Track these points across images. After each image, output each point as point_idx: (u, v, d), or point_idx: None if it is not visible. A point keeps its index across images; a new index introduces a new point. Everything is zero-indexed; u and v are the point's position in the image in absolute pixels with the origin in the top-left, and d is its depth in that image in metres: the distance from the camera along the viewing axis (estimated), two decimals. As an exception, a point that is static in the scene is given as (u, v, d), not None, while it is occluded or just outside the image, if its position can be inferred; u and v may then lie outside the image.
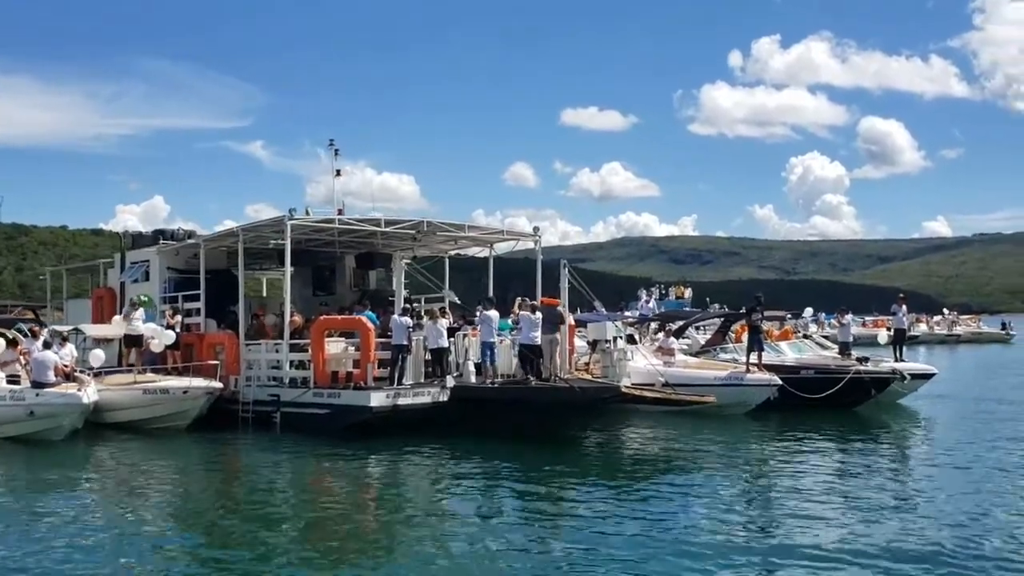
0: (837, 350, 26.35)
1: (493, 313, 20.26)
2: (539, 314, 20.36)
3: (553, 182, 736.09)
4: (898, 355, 26.74)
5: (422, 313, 22.88)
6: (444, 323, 20.67)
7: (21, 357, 20.17)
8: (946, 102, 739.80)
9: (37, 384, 18.70)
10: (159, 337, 20.87)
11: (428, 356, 20.96)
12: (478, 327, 20.93)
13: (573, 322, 23.45)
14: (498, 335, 20.99)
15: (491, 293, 24.44)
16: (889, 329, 32.77)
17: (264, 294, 29.03)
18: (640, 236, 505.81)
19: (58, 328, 22.99)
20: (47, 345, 19.49)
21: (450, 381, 20.05)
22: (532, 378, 19.80)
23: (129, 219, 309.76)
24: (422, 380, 20.53)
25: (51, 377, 18.75)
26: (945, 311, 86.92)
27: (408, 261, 25.97)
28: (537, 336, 20.02)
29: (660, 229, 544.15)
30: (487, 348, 20.19)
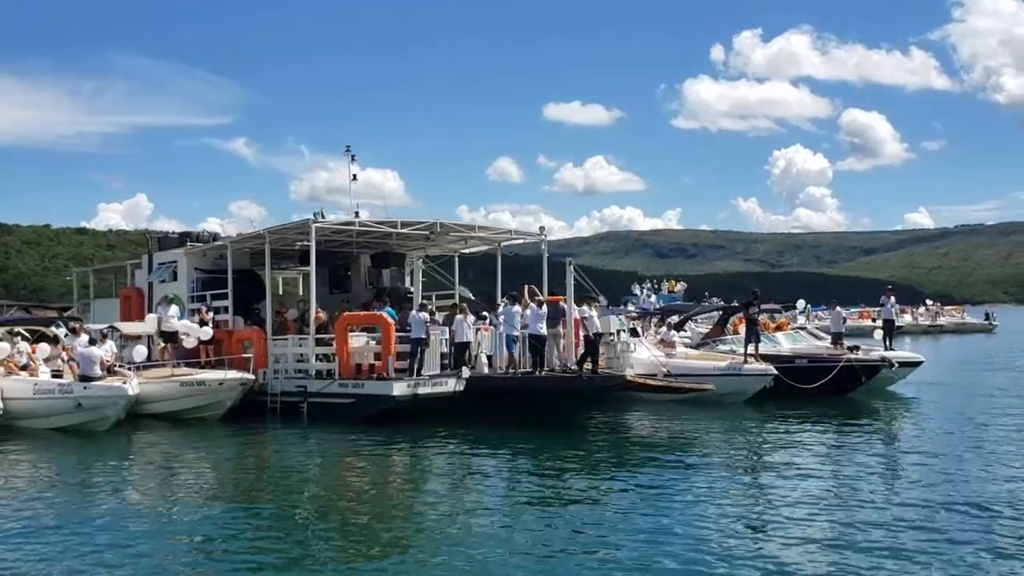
0: (830, 340, 27.68)
1: (517, 308, 21.33)
2: (545, 307, 21.62)
3: (537, 177, 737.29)
4: (887, 344, 28.05)
5: (434, 309, 24.08)
6: (472, 319, 21.96)
7: (64, 353, 21.41)
8: (927, 94, 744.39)
9: (84, 378, 19.90)
10: (194, 333, 22.07)
11: (444, 348, 22.29)
12: (500, 320, 22.13)
13: (579, 316, 24.57)
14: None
15: (499, 289, 25.84)
16: (874, 320, 34.15)
17: (280, 292, 30.11)
18: (625, 230, 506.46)
19: (92, 326, 24.04)
20: (92, 342, 20.71)
21: (465, 372, 21.33)
22: (537, 369, 21.07)
23: (112, 217, 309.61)
24: (439, 371, 21.79)
25: (97, 371, 19.96)
26: (928, 302, 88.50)
27: (423, 259, 27.30)
28: (542, 327, 21.25)
29: (644, 223, 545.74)
30: (511, 341, 21.27)
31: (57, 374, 21.05)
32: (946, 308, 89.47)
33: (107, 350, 21.10)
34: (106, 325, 23.55)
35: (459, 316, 21.83)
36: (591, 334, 21.30)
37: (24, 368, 20.92)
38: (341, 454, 17.89)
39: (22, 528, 11.64)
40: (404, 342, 21.33)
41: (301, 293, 29.27)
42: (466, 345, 21.64)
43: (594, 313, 21.88)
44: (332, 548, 10.66)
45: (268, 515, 12.39)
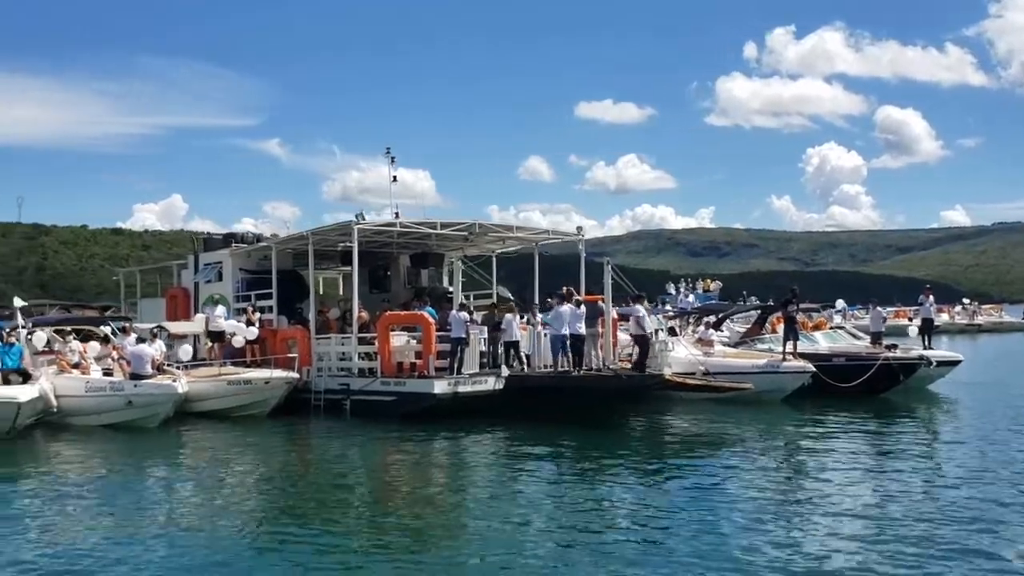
0: (869, 340, 27.68)
1: (565, 308, 21.42)
2: (583, 307, 21.86)
3: (568, 176, 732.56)
4: (926, 343, 28.00)
5: (472, 309, 24.41)
6: (518, 319, 22.31)
7: (114, 352, 21.99)
8: (963, 91, 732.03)
9: (135, 376, 20.46)
10: (241, 333, 22.58)
11: (483, 347, 22.64)
12: (538, 320, 22.38)
13: (617, 316, 24.73)
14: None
15: (537, 288, 26.21)
16: (910, 319, 34.00)
17: (320, 292, 30.64)
18: (657, 229, 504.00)
19: (140, 326, 24.61)
20: (141, 341, 21.28)
21: (504, 371, 21.64)
22: (576, 368, 21.31)
23: (148, 217, 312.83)
24: (478, 370, 22.13)
25: (148, 370, 20.54)
26: (965, 300, 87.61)
27: (462, 259, 27.70)
28: (581, 327, 21.49)
29: (677, 222, 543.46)
30: (558, 341, 21.31)
31: (108, 372, 21.64)
32: (983, 307, 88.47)
33: (157, 349, 21.64)
34: (154, 325, 24.08)
35: (508, 316, 22.15)
36: (647, 333, 21.38)
37: (76, 367, 21.51)
38: (384, 450, 18.19)
39: (75, 521, 12.05)
40: (444, 341, 21.66)
41: (341, 293, 29.75)
42: (516, 344, 21.95)
43: (644, 312, 22.08)
44: (377, 539, 10.93)
45: (314, 508, 12.71)
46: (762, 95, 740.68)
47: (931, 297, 29.86)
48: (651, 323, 21.90)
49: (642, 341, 21.26)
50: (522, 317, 23.84)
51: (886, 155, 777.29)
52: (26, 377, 19.89)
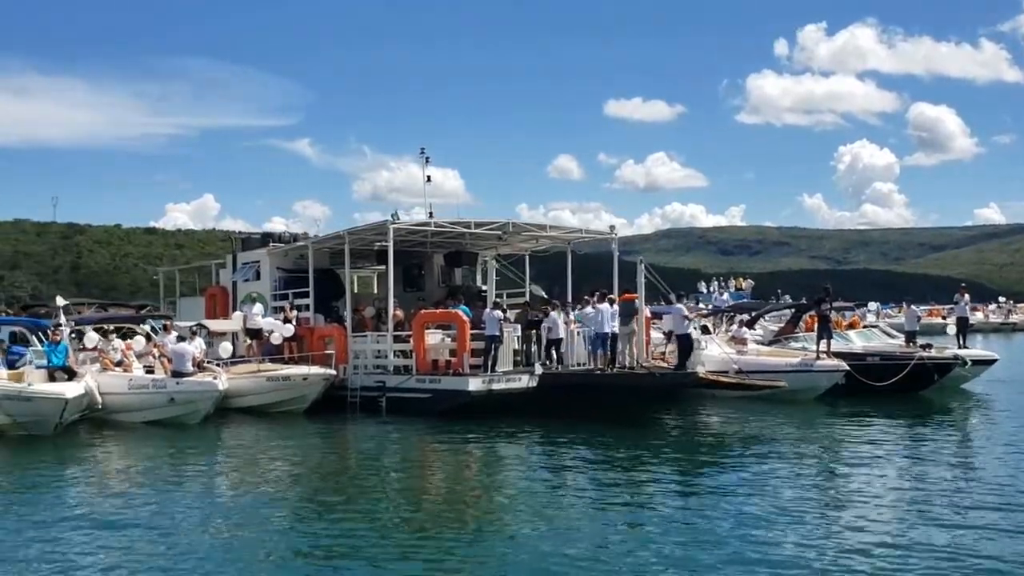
0: (904, 338, 27.60)
1: (605, 306, 21.64)
2: (616, 306, 22.04)
3: (598, 174, 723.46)
4: (961, 342, 27.86)
5: (506, 307, 24.65)
6: (564, 316, 22.56)
7: (155, 350, 22.42)
8: (997, 87, 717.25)
9: (177, 373, 20.87)
10: (278, 330, 22.95)
11: (516, 345, 22.87)
12: (572, 317, 22.60)
13: (649, 314, 24.87)
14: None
15: (569, 287, 26.42)
16: (944, 318, 33.83)
17: (355, 290, 30.99)
18: (687, 227, 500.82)
19: (179, 324, 25.06)
20: (181, 339, 21.69)
21: (538, 368, 21.84)
22: (609, 366, 21.49)
23: (180, 217, 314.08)
24: (511, 368, 22.33)
25: (189, 367, 20.95)
26: (1000, 299, 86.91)
27: (496, 258, 27.96)
28: (615, 325, 21.70)
29: (707, 220, 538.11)
30: (600, 338, 21.68)
31: (150, 370, 22.07)
32: (1018, 305, 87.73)
33: (197, 347, 22.04)
34: (194, 323, 24.51)
35: (554, 314, 22.40)
36: (689, 331, 21.55)
37: (119, 364, 21.95)
38: (421, 446, 18.46)
39: (120, 515, 12.27)
40: (478, 339, 21.89)
41: (376, 291, 30.09)
42: (559, 342, 22.20)
43: (686, 311, 22.29)
44: (415, 536, 11.02)
45: (352, 504, 12.89)
46: (793, 92, 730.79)
47: (966, 296, 29.72)
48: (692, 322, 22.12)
49: (684, 340, 21.39)
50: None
51: (919, 152, 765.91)
52: (71, 374, 20.33)
